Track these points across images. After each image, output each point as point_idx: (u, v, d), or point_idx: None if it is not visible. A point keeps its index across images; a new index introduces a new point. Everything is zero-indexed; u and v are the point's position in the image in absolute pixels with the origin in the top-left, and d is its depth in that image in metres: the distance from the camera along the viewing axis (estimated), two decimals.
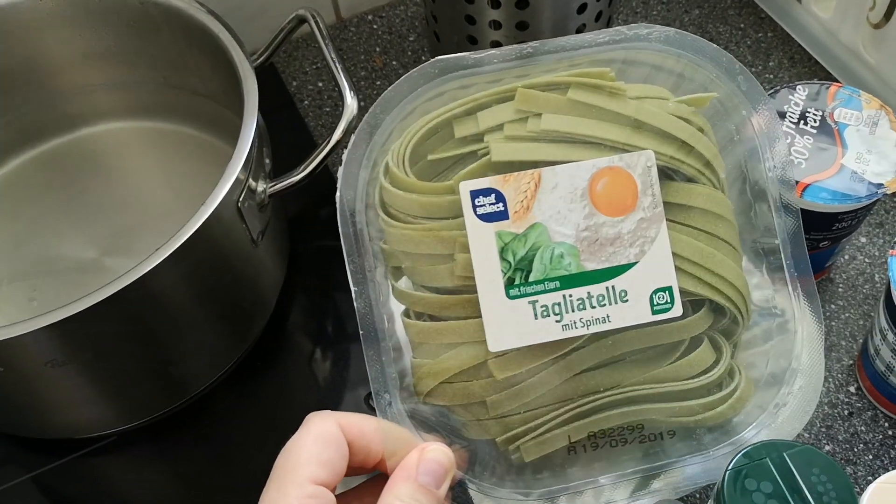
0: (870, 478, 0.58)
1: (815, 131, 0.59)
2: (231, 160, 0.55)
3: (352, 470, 0.43)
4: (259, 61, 0.67)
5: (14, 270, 0.69)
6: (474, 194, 0.48)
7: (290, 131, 0.77)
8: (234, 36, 0.61)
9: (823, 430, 0.60)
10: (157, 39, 0.67)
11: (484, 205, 0.48)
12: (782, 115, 0.60)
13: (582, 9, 0.71)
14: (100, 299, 0.49)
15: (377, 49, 0.84)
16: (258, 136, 0.57)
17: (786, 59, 0.80)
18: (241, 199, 0.55)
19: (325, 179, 0.61)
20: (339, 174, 0.50)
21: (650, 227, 0.48)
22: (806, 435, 0.60)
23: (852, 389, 0.62)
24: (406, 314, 0.50)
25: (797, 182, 0.56)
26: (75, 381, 0.56)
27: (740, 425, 0.50)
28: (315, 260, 0.70)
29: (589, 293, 0.48)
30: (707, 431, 0.50)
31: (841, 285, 0.66)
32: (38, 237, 0.70)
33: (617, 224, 0.48)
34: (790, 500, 0.43)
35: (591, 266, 0.48)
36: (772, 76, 0.79)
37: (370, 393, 0.53)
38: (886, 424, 0.60)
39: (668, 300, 0.48)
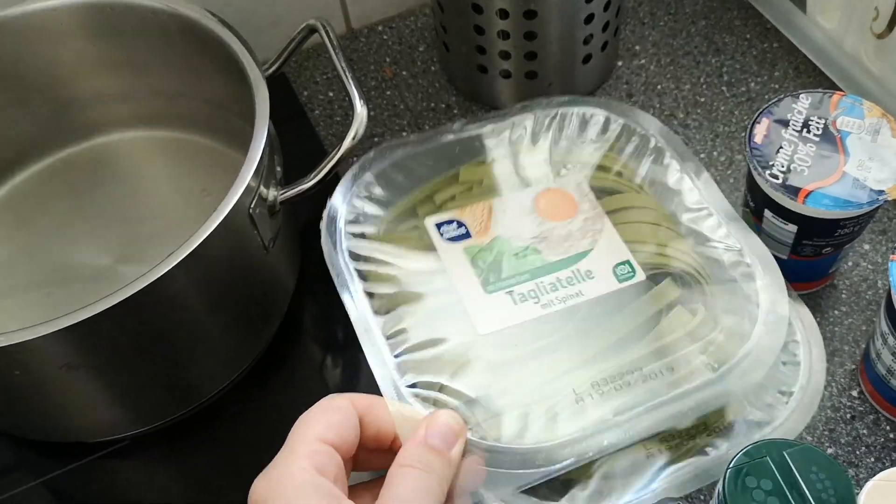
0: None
1: (817, 139, 0.59)
2: (243, 167, 0.55)
3: (366, 445, 0.44)
4: (270, 71, 0.67)
5: (29, 277, 0.69)
6: (439, 225, 0.59)
7: (301, 140, 0.78)
8: (245, 46, 0.62)
9: (826, 433, 0.61)
10: (170, 49, 0.68)
11: (449, 231, 0.59)
12: (786, 124, 0.60)
13: (589, 19, 0.71)
14: (113, 303, 0.50)
15: (387, 59, 0.84)
16: (269, 144, 0.58)
17: (791, 69, 0.80)
18: (252, 206, 0.56)
19: (335, 187, 0.62)
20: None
21: (595, 223, 0.59)
22: (809, 438, 0.61)
23: (855, 393, 0.62)
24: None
25: (800, 189, 0.57)
26: (89, 384, 0.57)
27: (741, 425, 0.51)
28: (325, 266, 0.70)
29: (558, 278, 0.56)
30: (708, 433, 0.51)
31: (844, 291, 0.67)
32: (52, 245, 0.71)
33: (566, 226, 0.59)
34: (789, 496, 0.43)
35: (553, 258, 0.57)
36: (777, 86, 0.79)
37: None
38: (888, 427, 0.61)
39: (630, 270, 0.57)
